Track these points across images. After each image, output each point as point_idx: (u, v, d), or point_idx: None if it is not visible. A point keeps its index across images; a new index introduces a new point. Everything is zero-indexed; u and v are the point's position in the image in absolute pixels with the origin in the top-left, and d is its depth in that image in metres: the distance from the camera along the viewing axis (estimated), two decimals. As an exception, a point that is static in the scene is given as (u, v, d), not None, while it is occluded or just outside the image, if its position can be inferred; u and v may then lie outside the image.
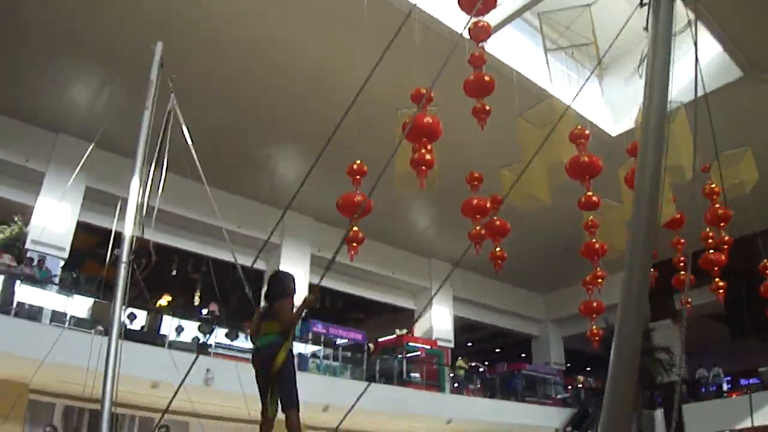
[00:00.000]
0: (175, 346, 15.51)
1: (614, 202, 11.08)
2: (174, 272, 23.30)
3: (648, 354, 20.33)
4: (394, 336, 24.18)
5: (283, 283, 6.28)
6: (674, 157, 9.33)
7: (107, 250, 8.17)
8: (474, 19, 8.47)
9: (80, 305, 15.37)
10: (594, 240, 11.19)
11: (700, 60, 6.65)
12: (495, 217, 10.85)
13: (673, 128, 9.41)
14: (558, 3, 10.38)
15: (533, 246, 22.55)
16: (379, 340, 24.02)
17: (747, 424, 18.19)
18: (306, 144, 17.21)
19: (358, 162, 9.97)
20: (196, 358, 7.18)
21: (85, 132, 12.98)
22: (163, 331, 16.48)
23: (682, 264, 12.01)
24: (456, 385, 23.56)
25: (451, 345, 26.04)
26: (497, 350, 35.49)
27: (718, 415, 20.84)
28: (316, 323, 21.18)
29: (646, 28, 4.55)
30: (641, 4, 4.69)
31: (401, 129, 8.84)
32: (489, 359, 32.17)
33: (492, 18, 9.73)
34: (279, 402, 5.78)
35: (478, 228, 10.55)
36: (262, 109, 17.33)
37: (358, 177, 9.88)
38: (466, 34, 8.55)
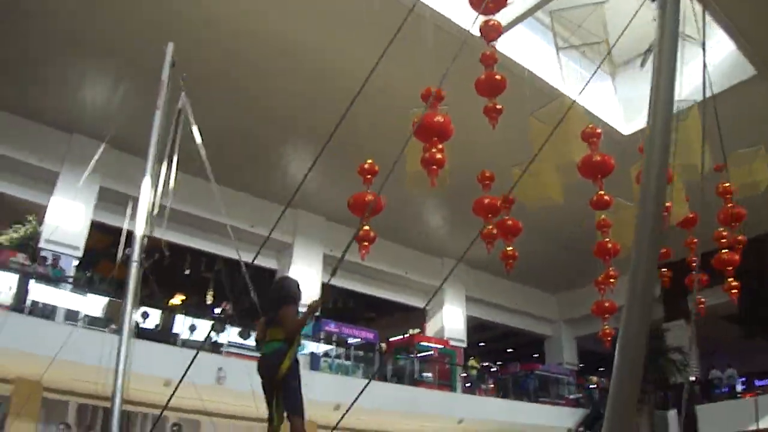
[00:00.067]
0: (188, 344, 15.60)
1: (627, 202, 11.02)
2: (187, 271, 23.43)
3: (662, 354, 20.24)
4: (407, 335, 24.20)
5: (287, 288, 6.24)
6: (688, 156, 9.29)
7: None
8: (483, 18, 8.45)
9: (95, 304, 15.47)
10: (606, 239, 11.14)
11: (713, 58, 6.62)
12: (507, 217, 10.83)
13: (687, 126, 9.36)
14: (570, 1, 10.32)
15: (546, 246, 22.50)
16: (391, 339, 24.05)
17: (760, 425, 18.12)
18: (318, 143, 17.02)
19: (370, 161, 9.98)
20: (196, 354, 7.18)
21: (99, 132, 13.04)
22: (176, 329, 16.59)
23: (694, 264, 11.94)
24: (468, 385, 23.54)
25: (464, 345, 26.01)
26: (509, 350, 35.39)
27: (732, 416, 20.71)
28: (329, 322, 21.25)
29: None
30: (651, -1, 4.65)
31: (413, 128, 8.84)
32: (501, 359, 32.11)
33: (504, 17, 9.71)
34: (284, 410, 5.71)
35: (489, 227, 10.52)
36: (274, 108, 17.37)
37: (369, 176, 9.89)
38: (477, 33, 8.54)
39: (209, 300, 25.01)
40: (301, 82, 16.43)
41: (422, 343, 23.57)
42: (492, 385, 24.12)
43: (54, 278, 15.46)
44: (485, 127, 8.53)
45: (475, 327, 28.18)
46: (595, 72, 7.75)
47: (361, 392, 6.10)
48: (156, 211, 8.05)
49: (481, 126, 8.62)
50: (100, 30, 14.61)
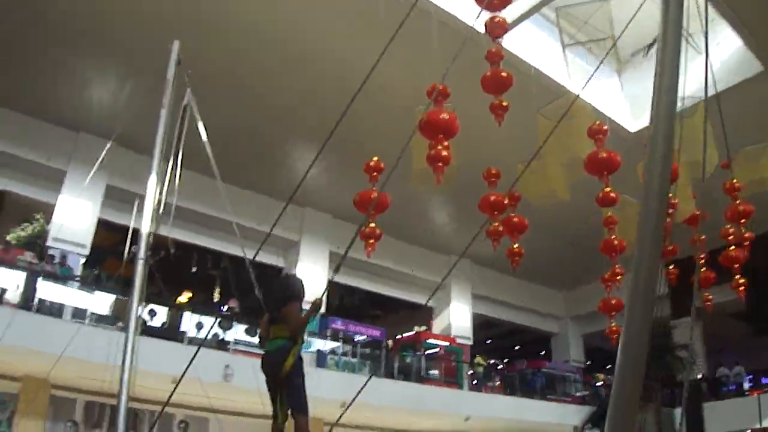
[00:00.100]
0: (195, 342, 15.61)
1: (633, 199, 10.99)
2: (194, 269, 23.49)
3: (669, 352, 20.16)
4: (413, 333, 24.19)
5: (291, 286, 6.25)
6: (695, 153, 9.25)
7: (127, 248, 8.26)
8: (488, 14, 8.43)
9: (102, 302, 15.51)
10: (613, 236, 11.12)
11: (720, 55, 6.59)
12: (513, 214, 10.83)
13: (694, 123, 9.32)
14: (576, -2, 10.32)
15: (552, 243, 22.47)
16: (398, 337, 24.04)
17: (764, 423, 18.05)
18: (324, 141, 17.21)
19: (375, 159, 9.99)
20: (197, 351, 7.20)
21: (105, 130, 13.09)
22: (183, 327, 16.61)
23: (701, 262, 11.91)
24: (475, 382, 23.51)
25: (470, 342, 25.98)
26: (516, 347, 35.33)
27: (739, 414, 20.64)
28: (335, 320, 21.25)
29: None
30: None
31: (418, 125, 8.84)
32: (508, 356, 32.06)
33: (509, 14, 9.69)
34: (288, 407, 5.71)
35: (495, 224, 10.52)
36: (280, 106, 17.38)
37: (375, 174, 9.91)
38: (482, 30, 8.52)
39: (216, 297, 25.06)
40: (306, 80, 16.43)
41: (429, 341, 23.55)
42: (498, 383, 24.05)
43: (61, 276, 15.51)
44: (491, 125, 8.51)
45: (481, 324, 28.17)
46: (600, 65, 7.74)
47: (363, 387, 6.12)
48: (162, 208, 8.07)
49: (487, 123, 8.60)
50: (106, 29, 14.64)
